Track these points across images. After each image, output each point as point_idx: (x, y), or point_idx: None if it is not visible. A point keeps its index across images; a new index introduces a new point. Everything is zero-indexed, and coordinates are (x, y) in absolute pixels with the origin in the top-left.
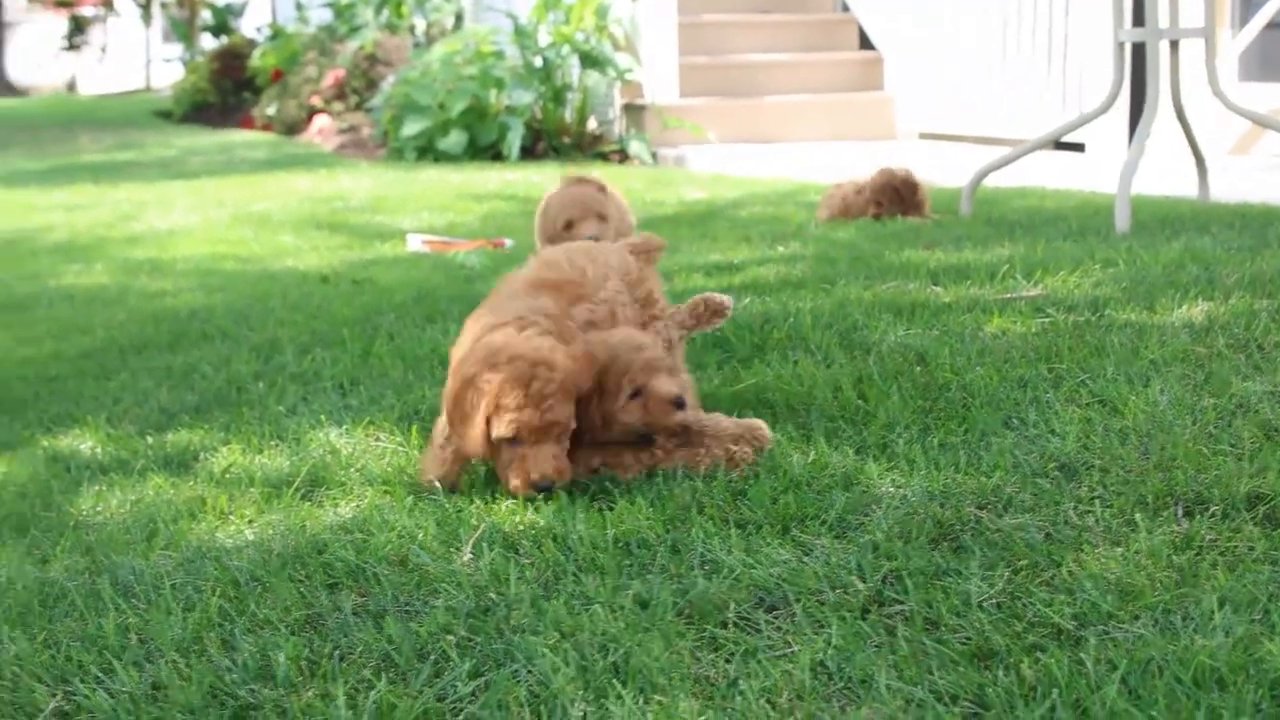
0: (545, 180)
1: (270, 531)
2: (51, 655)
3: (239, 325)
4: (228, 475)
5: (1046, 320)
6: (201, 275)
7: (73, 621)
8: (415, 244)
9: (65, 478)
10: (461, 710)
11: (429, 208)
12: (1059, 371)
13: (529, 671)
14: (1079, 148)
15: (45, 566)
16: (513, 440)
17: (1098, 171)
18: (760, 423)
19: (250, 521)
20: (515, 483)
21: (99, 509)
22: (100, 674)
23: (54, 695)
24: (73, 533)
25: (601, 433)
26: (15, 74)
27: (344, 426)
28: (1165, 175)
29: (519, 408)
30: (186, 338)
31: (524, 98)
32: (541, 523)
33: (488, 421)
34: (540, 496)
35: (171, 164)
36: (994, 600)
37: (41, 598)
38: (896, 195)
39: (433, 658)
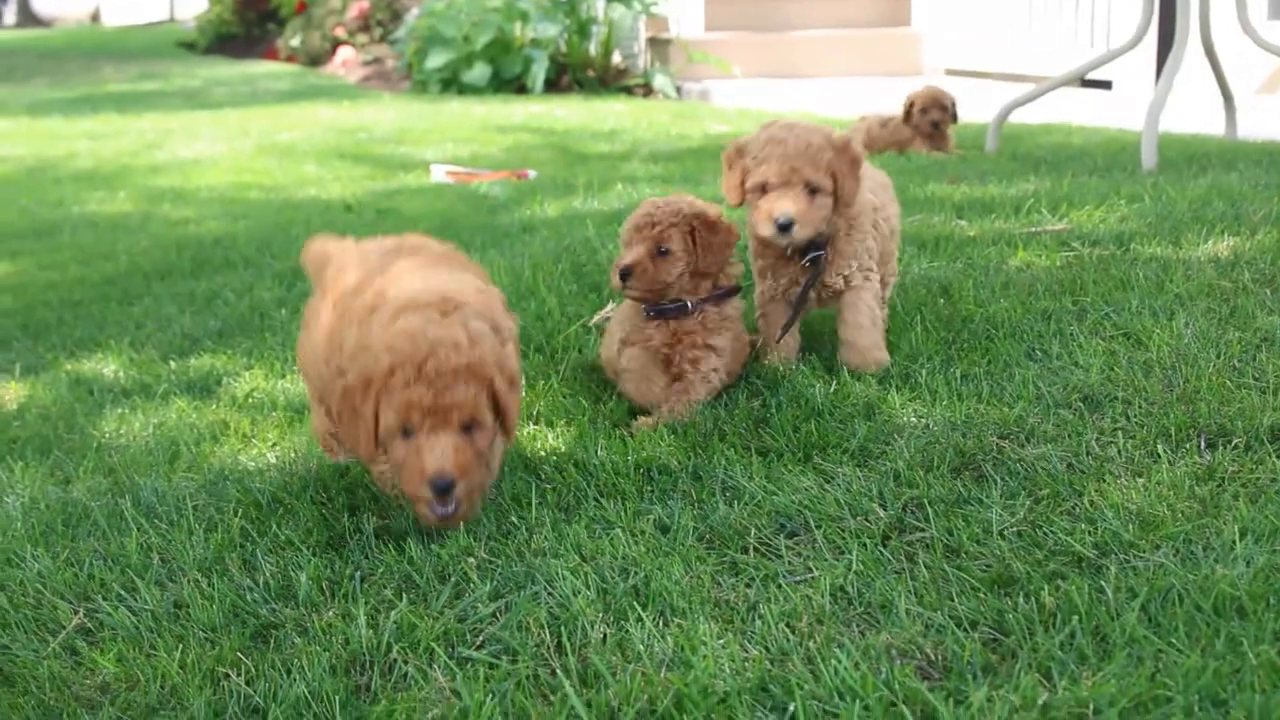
0: (569, 113)
1: (293, 455)
2: (74, 573)
3: (262, 253)
4: (250, 400)
5: (1071, 254)
6: (225, 204)
7: (95, 541)
8: (439, 175)
9: (88, 401)
10: (482, 631)
11: (453, 139)
12: (1083, 304)
13: (549, 594)
14: (1106, 85)
15: (68, 487)
16: (404, 431)
17: (1125, 109)
18: None
19: (273, 445)
20: (407, 483)
21: (122, 432)
22: (123, 592)
23: (76, 612)
24: (96, 454)
25: None
26: (40, 5)
27: None
28: (1193, 113)
29: (406, 386)
30: (210, 264)
31: (549, 31)
32: (563, 448)
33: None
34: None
35: (195, 94)
36: (1015, 528)
37: (65, 517)
38: (930, 105)
39: (453, 579)
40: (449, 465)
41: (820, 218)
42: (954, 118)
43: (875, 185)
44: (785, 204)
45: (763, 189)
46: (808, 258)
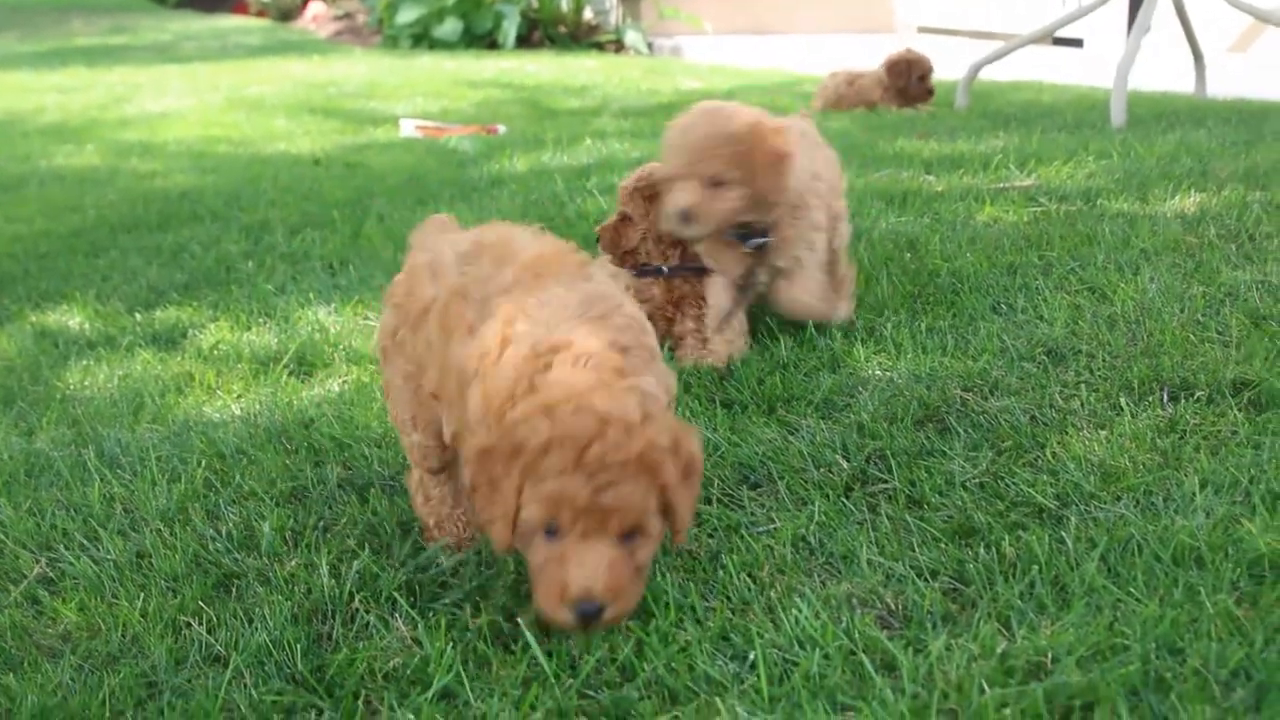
0: (541, 69)
1: (257, 407)
2: (36, 523)
3: (230, 206)
4: (215, 352)
5: (1038, 209)
6: (193, 157)
7: (58, 491)
8: (408, 129)
9: (53, 353)
10: (444, 580)
11: (423, 94)
12: (1049, 259)
13: None
14: (1078, 43)
15: (31, 438)
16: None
17: (1095, 67)
18: None
19: (238, 397)
20: (544, 598)
21: (86, 383)
22: (85, 541)
23: (38, 561)
24: (60, 405)
25: None
26: None
27: (332, 305)
28: (1163, 71)
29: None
30: (177, 218)
31: None
32: None
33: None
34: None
35: (165, 48)
36: (977, 480)
37: (27, 467)
38: (909, 69)
39: (416, 531)
40: (599, 586)
41: (725, 210)
42: (925, 69)
43: (812, 154)
44: (682, 196)
45: (668, 181)
46: (751, 244)
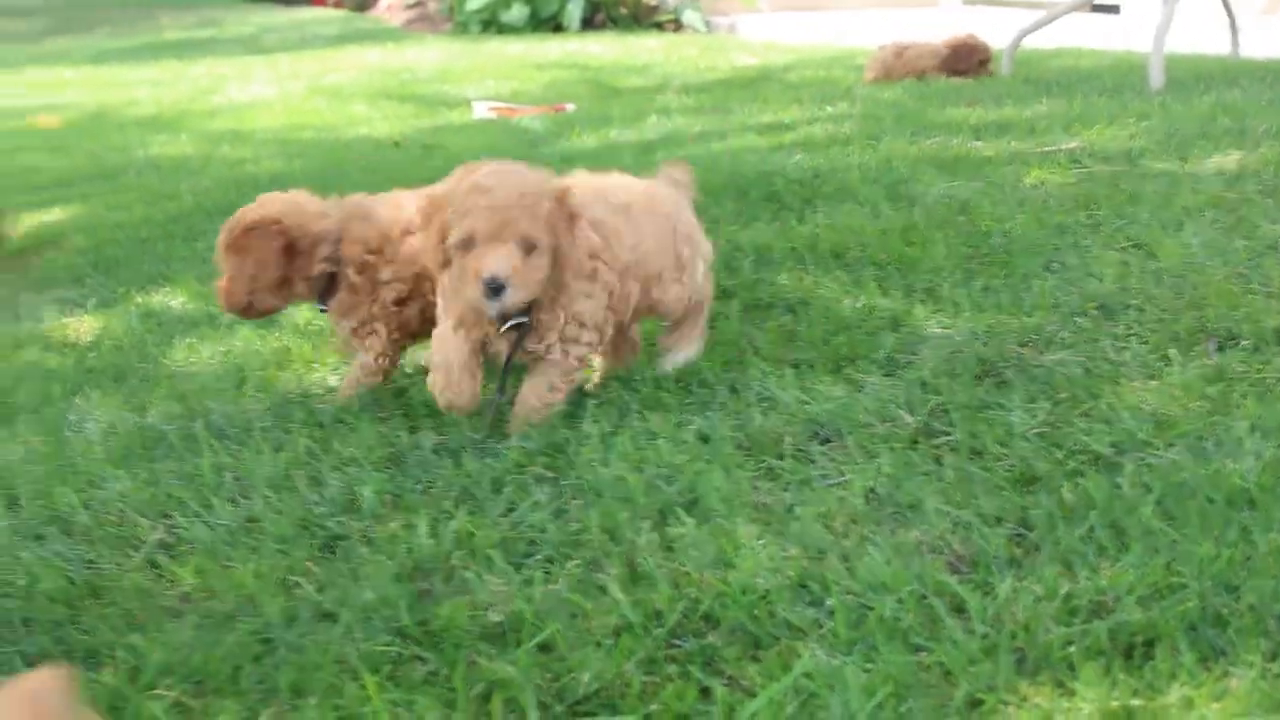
0: (604, 50)
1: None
2: (153, 492)
3: (317, 189)
4: (310, 327)
5: (1084, 171)
6: (280, 144)
7: (171, 462)
8: (481, 110)
9: (158, 332)
10: (536, 537)
11: (493, 77)
12: (1096, 218)
13: (598, 501)
14: (1114, 9)
15: (144, 413)
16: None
17: (1132, 32)
18: None
19: (334, 369)
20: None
21: (191, 360)
22: (199, 508)
23: (156, 528)
24: (168, 382)
25: None
26: None
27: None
28: (1198, 34)
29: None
30: None
31: None
32: (607, 367)
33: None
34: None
35: (249, 41)
36: (1036, 430)
37: (142, 441)
38: (970, 54)
39: (508, 490)
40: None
41: (537, 280)
42: (984, 53)
43: (615, 210)
44: (495, 261)
45: (467, 245)
46: (508, 325)
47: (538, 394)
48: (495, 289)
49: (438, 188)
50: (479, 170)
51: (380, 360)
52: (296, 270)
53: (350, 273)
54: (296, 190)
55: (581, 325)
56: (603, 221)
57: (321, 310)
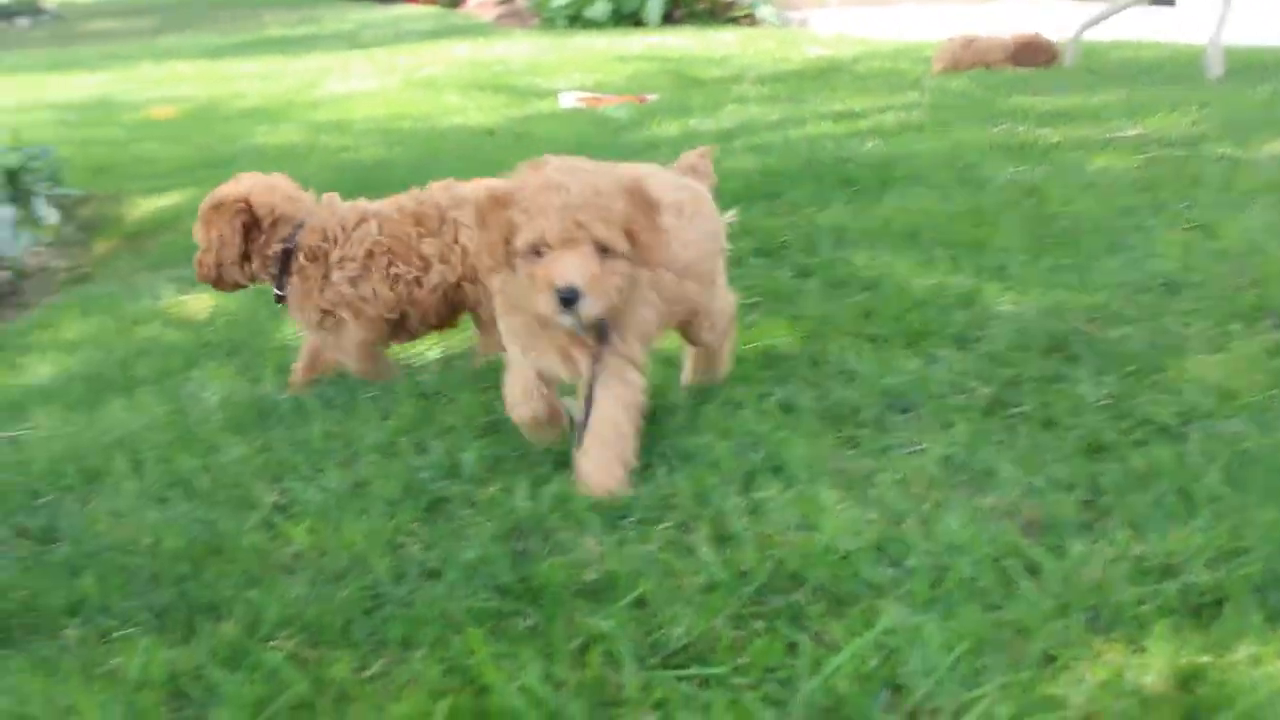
0: (683, 43)
1: (454, 351)
2: (268, 458)
3: (416, 175)
4: None
5: (1147, 156)
6: (380, 133)
7: (284, 430)
8: (568, 101)
9: (271, 308)
10: (629, 500)
11: (579, 69)
12: (1159, 201)
13: (687, 467)
14: (1170, 3)
15: (257, 384)
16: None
17: (1188, 25)
18: None
19: (435, 343)
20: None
21: (300, 334)
22: (311, 473)
23: (271, 491)
24: (278, 354)
25: None
26: None
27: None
28: (1253, 27)
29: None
30: (370, 187)
31: None
32: None
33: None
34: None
35: (348, 36)
36: (1104, 401)
37: (257, 410)
38: (1036, 54)
39: None
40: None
41: (615, 287)
42: (1051, 53)
43: (669, 209)
44: (571, 268)
45: (537, 250)
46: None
47: (614, 427)
48: (569, 299)
49: (500, 183)
50: (547, 166)
51: (362, 334)
52: (256, 248)
53: (301, 257)
54: (279, 174)
55: (645, 338)
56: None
57: (278, 301)
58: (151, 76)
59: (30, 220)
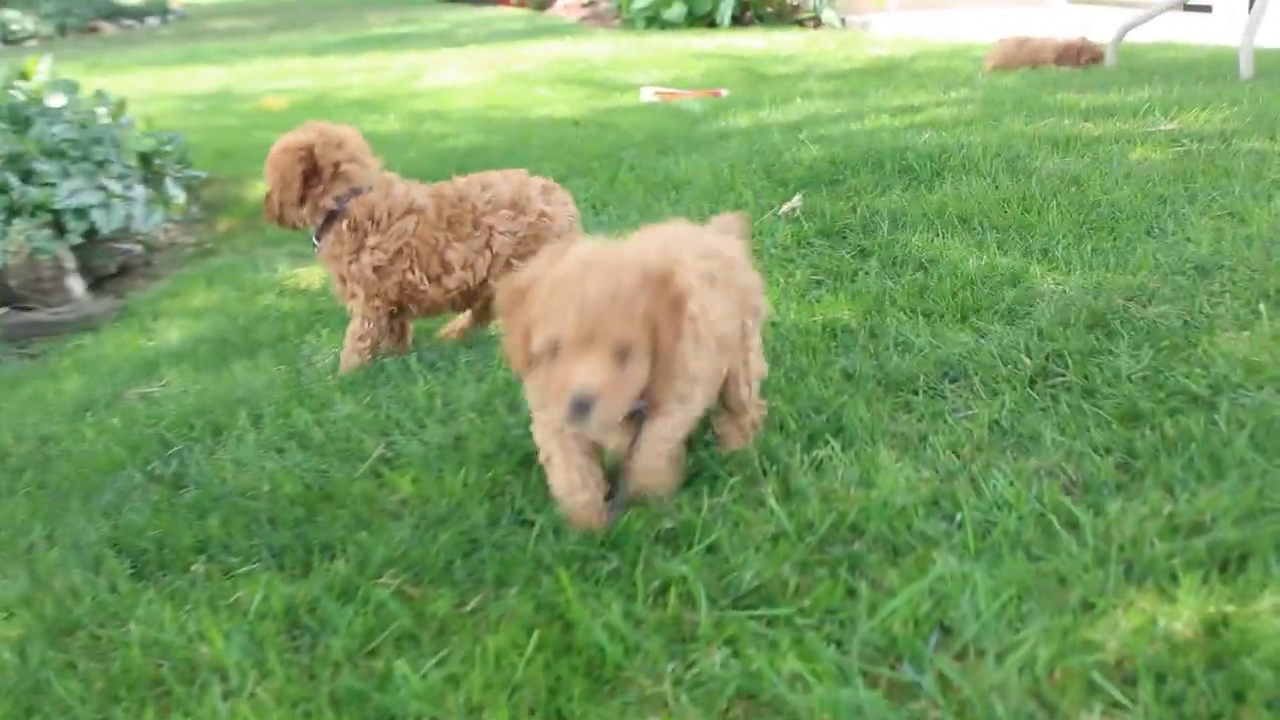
0: (752, 43)
1: None
2: (375, 414)
3: (509, 160)
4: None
5: (1182, 149)
6: (475, 121)
7: (390, 389)
8: (647, 95)
9: None
10: (702, 456)
11: (657, 66)
12: (1193, 190)
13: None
14: (1207, 9)
15: None
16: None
17: (1223, 29)
18: None
19: None
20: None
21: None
22: (414, 428)
23: (378, 444)
24: None
25: None
26: None
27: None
28: None
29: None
30: (468, 170)
31: None
32: None
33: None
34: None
35: (444, 35)
36: (1140, 373)
37: (364, 371)
38: (1079, 55)
39: None
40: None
41: (634, 390)
42: (1095, 55)
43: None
44: (582, 374)
45: (554, 349)
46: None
47: (654, 450)
48: (583, 407)
49: (521, 275)
50: (568, 256)
51: (364, 324)
52: (312, 195)
53: (344, 225)
54: (349, 128)
55: (695, 381)
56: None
57: (314, 246)
58: (265, 71)
59: (161, 199)
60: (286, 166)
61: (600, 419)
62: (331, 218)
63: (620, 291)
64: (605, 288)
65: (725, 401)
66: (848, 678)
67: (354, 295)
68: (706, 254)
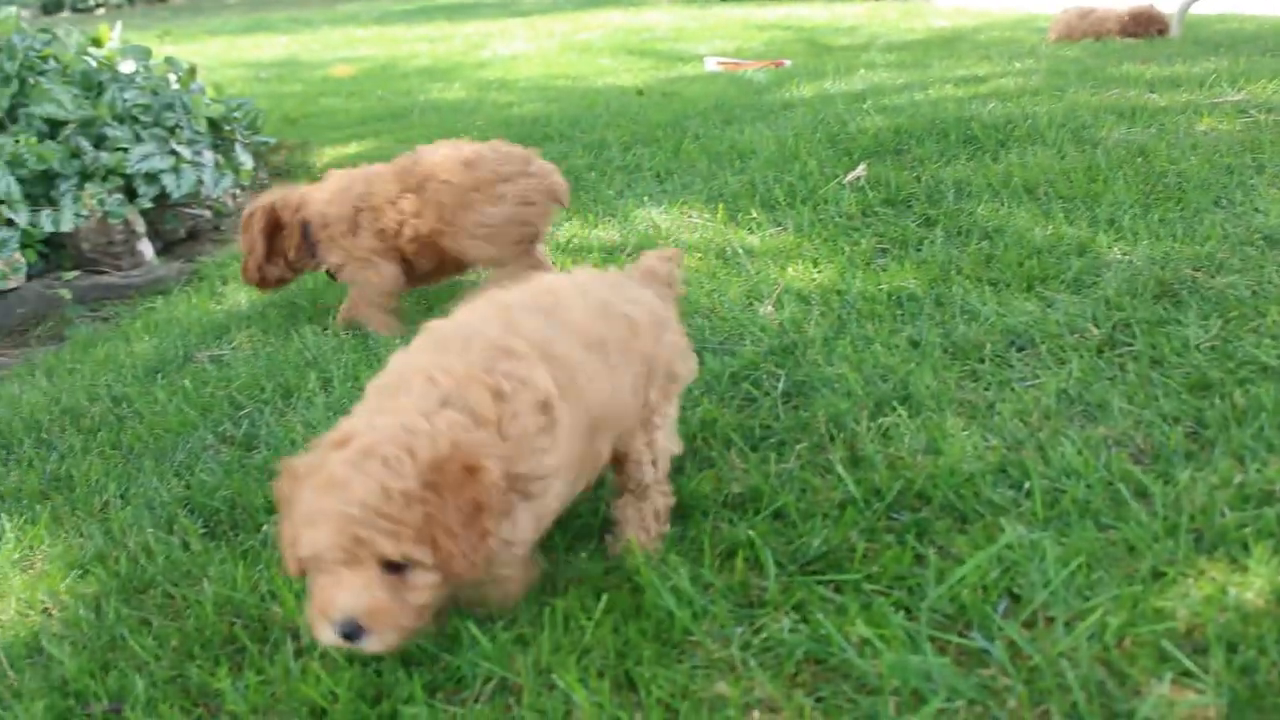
0: (814, 14)
1: None
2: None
3: (573, 128)
4: (571, 244)
5: (1250, 120)
6: (539, 90)
7: None
8: (711, 65)
9: None
10: (770, 423)
11: (720, 36)
12: (1261, 160)
13: (823, 395)
14: None
15: (429, 313)
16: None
17: None
18: None
19: None
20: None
21: (474, 271)
22: None
23: None
24: (444, 289)
25: None
26: None
27: (662, 206)
28: None
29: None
30: (531, 138)
31: None
32: (827, 282)
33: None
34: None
35: (509, 4)
36: (1209, 343)
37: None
38: (1149, 24)
39: (744, 385)
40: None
41: (424, 602)
42: (1162, 24)
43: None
44: (345, 599)
45: (314, 566)
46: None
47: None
48: (349, 635)
49: (301, 460)
50: (349, 444)
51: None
52: (277, 249)
53: (314, 229)
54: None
55: (545, 478)
56: (573, 363)
57: (331, 277)
58: (331, 39)
59: (230, 165)
60: (249, 230)
61: (373, 647)
62: (313, 249)
63: (391, 497)
64: (373, 492)
65: (623, 482)
66: (916, 644)
67: (370, 264)
68: (605, 316)
